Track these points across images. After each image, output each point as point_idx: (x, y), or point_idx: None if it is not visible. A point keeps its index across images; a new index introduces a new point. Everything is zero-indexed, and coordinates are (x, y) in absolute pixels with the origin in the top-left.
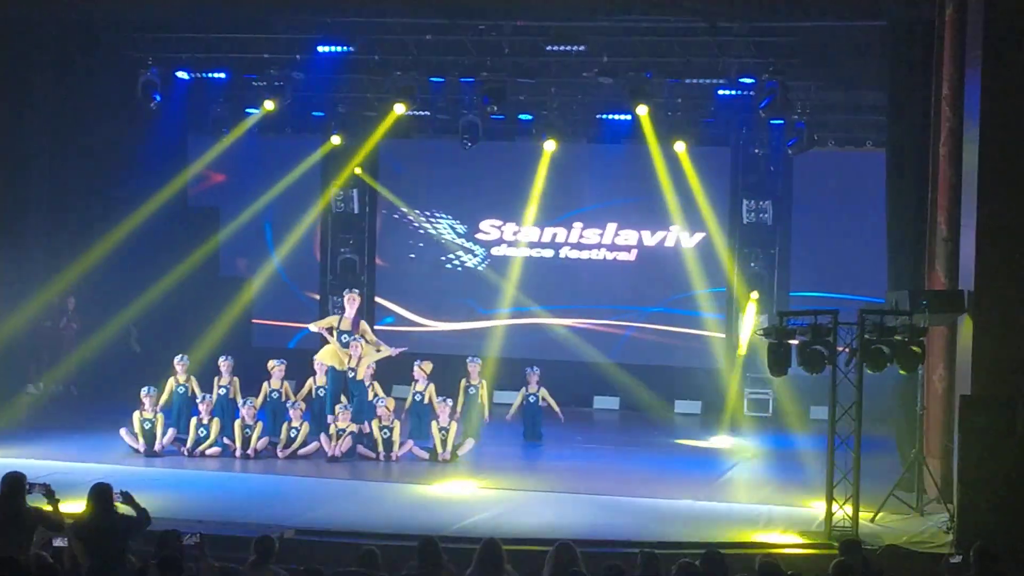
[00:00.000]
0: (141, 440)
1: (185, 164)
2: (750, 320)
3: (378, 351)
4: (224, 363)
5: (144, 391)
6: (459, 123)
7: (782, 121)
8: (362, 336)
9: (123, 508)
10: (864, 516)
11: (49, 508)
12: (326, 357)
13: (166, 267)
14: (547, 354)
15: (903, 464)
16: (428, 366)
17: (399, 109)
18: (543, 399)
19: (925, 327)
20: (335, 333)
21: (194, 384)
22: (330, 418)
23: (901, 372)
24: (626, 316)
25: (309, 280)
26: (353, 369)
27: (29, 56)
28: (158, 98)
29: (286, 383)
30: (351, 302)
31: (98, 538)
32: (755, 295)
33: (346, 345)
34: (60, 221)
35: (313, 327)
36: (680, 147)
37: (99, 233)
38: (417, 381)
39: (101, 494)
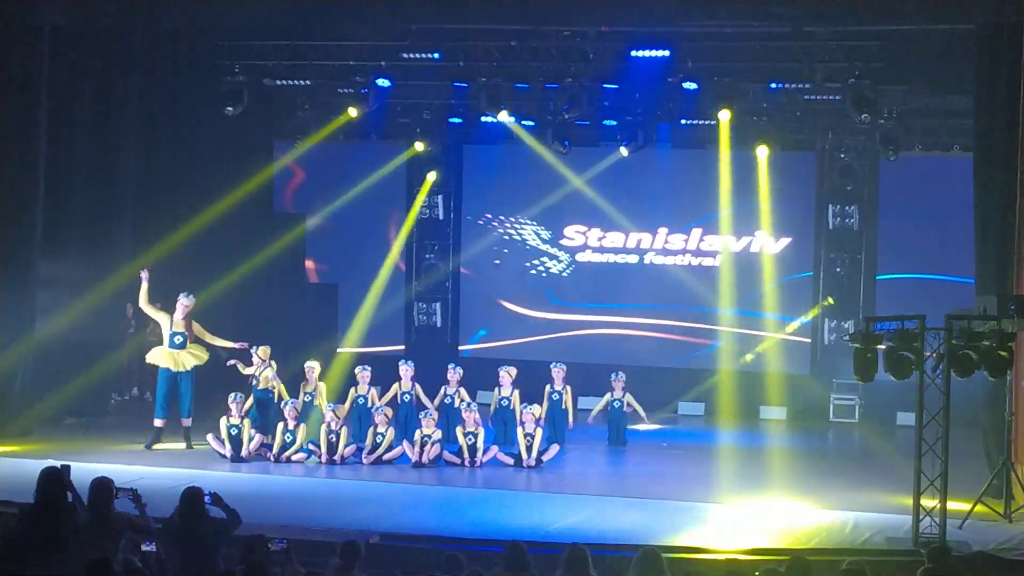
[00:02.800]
0: (228, 446)
1: (271, 170)
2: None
3: (220, 346)
4: (310, 369)
5: (231, 397)
6: (545, 129)
7: (868, 126)
8: (198, 337)
9: (214, 512)
10: (952, 523)
11: (136, 513)
12: (158, 358)
13: (252, 272)
14: (632, 359)
15: (991, 470)
16: (513, 371)
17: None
18: (628, 404)
19: (1013, 332)
20: (167, 334)
21: (281, 389)
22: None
23: (989, 378)
24: (710, 321)
25: (394, 286)
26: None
27: (119, 63)
28: (244, 104)
29: (372, 389)
30: (183, 307)
31: (189, 541)
32: (830, 299)
33: (179, 346)
34: (146, 226)
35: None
36: (763, 152)
37: (185, 239)
38: (502, 387)
39: (192, 497)
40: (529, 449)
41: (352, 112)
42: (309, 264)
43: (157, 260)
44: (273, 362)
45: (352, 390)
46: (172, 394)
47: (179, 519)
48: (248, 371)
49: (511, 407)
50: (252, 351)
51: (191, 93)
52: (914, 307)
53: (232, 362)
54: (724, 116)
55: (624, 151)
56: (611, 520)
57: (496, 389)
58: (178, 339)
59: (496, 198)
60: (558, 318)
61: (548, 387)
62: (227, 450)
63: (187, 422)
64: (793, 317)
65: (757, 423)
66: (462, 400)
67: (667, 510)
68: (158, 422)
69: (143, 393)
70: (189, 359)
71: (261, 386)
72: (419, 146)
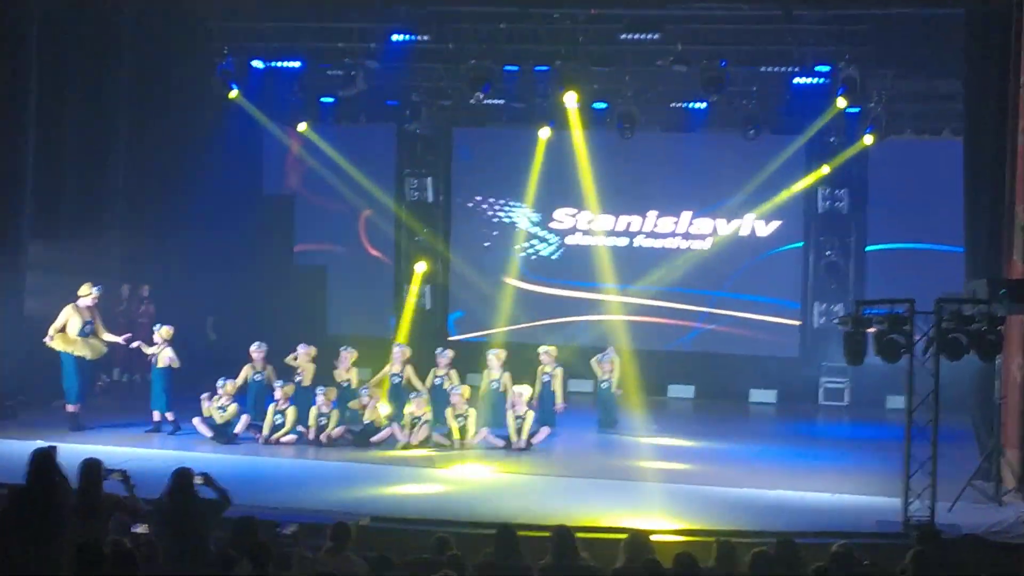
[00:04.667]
0: (215, 428)
1: (260, 153)
2: None
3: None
4: (301, 351)
5: (220, 381)
6: (533, 111)
7: (858, 109)
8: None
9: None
10: (941, 506)
11: (126, 494)
12: (75, 347)
13: (241, 255)
14: (621, 342)
15: (981, 454)
16: (503, 354)
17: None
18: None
19: (1003, 316)
20: (79, 324)
21: (270, 372)
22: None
23: (979, 361)
24: (700, 304)
25: (383, 269)
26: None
27: (107, 46)
28: (234, 87)
29: (353, 370)
30: (92, 297)
31: (179, 521)
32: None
33: (87, 335)
34: (138, 209)
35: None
36: (752, 135)
37: (176, 221)
38: (491, 369)
39: (182, 477)
40: (519, 432)
41: (350, 93)
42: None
43: (146, 243)
44: (263, 345)
45: (336, 372)
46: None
47: (169, 500)
48: (150, 350)
49: (500, 390)
50: (155, 329)
51: (180, 75)
52: (905, 281)
53: (136, 344)
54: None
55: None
56: (601, 503)
57: (485, 372)
58: (88, 328)
59: (486, 181)
60: (548, 299)
61: (539, 369)
62: (213, 432)
63: (77, 407)
64: (782, 300)
65: (747, 406)
66: (451, 382)
67: (656, 492)
68: (76, 407)
69: (132, 375)
70: (100, 347)
71: (160, 365)
72: (409, 128)
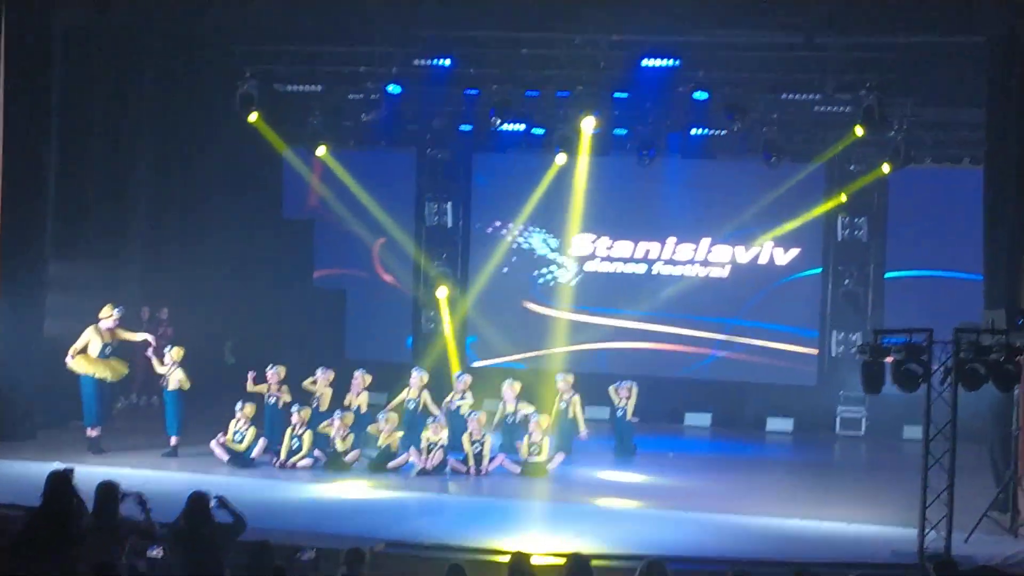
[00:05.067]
0: (233, 451)
1: (280, 176)
2: None
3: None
4: (320, 375)
5: (239, 404)
6: (554, 137)
7: (879, 137)
8: (116, 339)
9: (220, 516)
10: (957, 537)
11: (142, 517)
12: (96, 368)
13: (261, 278)
14: (639, 370)
15: (997, 485)
16: (518, 386)
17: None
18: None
19: (1021, 346)
20: (99, 346)
21: (286, 395)
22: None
23: (997, 392)
24: (718, 332)
25: (402, 293)
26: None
27: (132, 66)
28: (255, 110)
29: (364, 394)
30: (114, 319)
31: (195, 544)
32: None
33: (108, 357)
34: (158, 231)
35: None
36: (773, 162)
37: (196, 243)
38: (506, 402)
39: (198, 500)
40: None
41: (365, 117)
42: (318, 270)
43: (166, 265)
44: (281, 368)
45: (350, 396)
46: (104, 402)
47: (185, 522)
48: (161, 369)
49: (514, 423)
50: (166, 351)
51: (203, 97)
52: (924, 310)
53: (149, 352)
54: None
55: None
56: (615, 530)
57: (500, 405)
58: (108, 349)
59: (505, 206)
60: (565, 325)
61: (556, 397)
62: (230, 456)
63: (97, 431)
64: (800, 328)
65: (764, 434)
66: (468, 408)
67: (672, 520)
68: (96, 431)
69: (150, 397)
70: (121, 369)
71: (170, 387)
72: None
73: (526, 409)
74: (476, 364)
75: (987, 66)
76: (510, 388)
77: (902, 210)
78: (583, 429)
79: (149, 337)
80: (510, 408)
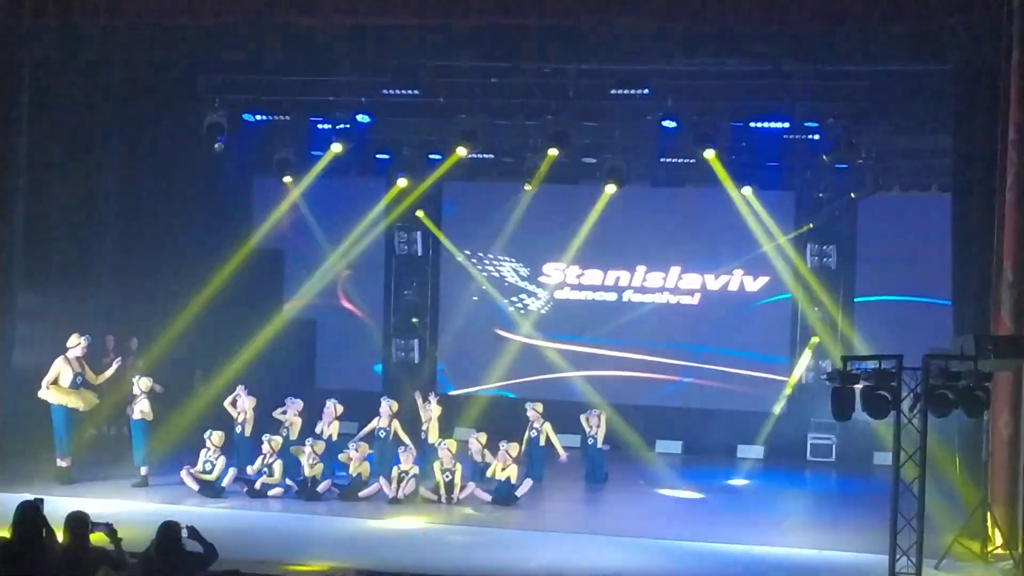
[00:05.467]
0: (203, 481)
1: (250, 206)
2: (804, 363)
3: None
4: (290, 405)
5: (207, 433)
6: (523, 166)
7: (847, 165)
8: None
9: (191, 546)
10: (928, 563)
11: (112, 547)
12: (68, 398)
13: (231, 307)
14: (610, 398)
15: (968, 511)
16: (483, 437)
17: (462, 152)
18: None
19: (990, 372)
20: (70, 376)
21: (249, 421)
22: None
23: (966, 418)
24: (689, 359)
25: (372, 322)
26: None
27: (99, 97)
28: (224, 140)
29: (334, 423)
30: (82, 348)
31: (165, 574)
32: (815, 339)
33: (78, 386)
34: (127, 260)
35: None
36: (747, 191)
37: (165, 272)
38: (472, 452)
39: (169, 531)
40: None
41: (336, 147)
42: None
43: (135, 294)
44: (252, 398)
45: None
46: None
47: (156, 552)
48: (134, 396)
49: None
50: (135, 380)
51: (171, 127)
52: (893, 335)
53: (115, 366)
54: (709, 154)
55: (610, 188)
56: (588, 558)
57: (469, 453)
58: (79, 379)
59: (475, 235)
60: (536, 352)
61: (526, 425)
62: (200, 485)
63: (68, 461)
64: (772, 356)
65: (734, 461)
66: (434, 436)
67: (643, 548)
68: (67, 461)
69: (120, 427)
70: (92, 399)
71: (136, 416)
72: (402, 182)
73: (444, 445)
74: (447, 392)
75: (954, 94)
76: (475, 441)
77: (871, 237)
78: (562, 453)
79: (115, 364)
80: (477, 459)
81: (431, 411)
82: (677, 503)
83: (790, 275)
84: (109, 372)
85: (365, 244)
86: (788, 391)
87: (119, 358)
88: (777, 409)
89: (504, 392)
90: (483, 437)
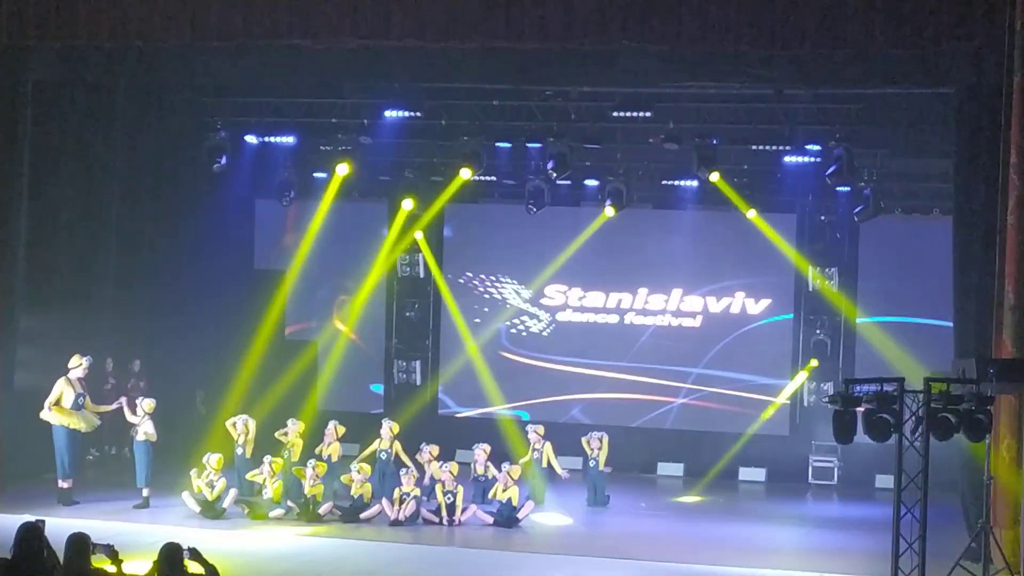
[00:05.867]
0: (204, 502)
1: (252, 227)
2: (793, 386)
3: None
4: (291, 426)
5: (206, 457)
6: (525, 188)
7: (848, 188)
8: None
9: (192, 568)
10: None
11: (113, 569)
12: (70, 419)
13: (232, 329)
14: (611, 420)
15: (970, 534)
16: (487, 448)
17: (465, 174)
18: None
19: (992, 396)
20: (72, 397)
21: (250, 445)
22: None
23: (968, 441)
24: (689, 382)
25: (374, 343)
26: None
27: (101, 118)
28: (224, 161)
29: (334, 444)
30: (83, 368)
31: None
32: (814, 362)
33: (80, 407)
34: (129, 282)
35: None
36: (752, 213)
37: (167, 293)
38: (476, 463)
39: (171, 552)
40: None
41: (342, 169)
42: (289, 321)
43: (136, 316)
44: (252, 421)
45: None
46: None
47: (157, 574)
48: (133, 419)
49: (488, 479)
50: (138, 402)
51: (174, 149)
52: (895, 357)
53: (119, 404)
54: (714, 177)
55: (612, 210)
56: None
57: (472, 465)
58: (81, 400)
59: (477, 256)
60: (538, 374)
61: (528, 448)
62: (198, 507)
63: (69, 483)
64: (774, 377)
65: (736, 484)
66: (440, 460)
67: (644, 571)
68: (68, 483)
69: (121, 448)
70: (94, 420)
71: (140, 438)
72: (407, 205)
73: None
74: (448, 414)
75: (955, 117)
76: (481, 452)
77: (873, 260)
78: (561, 472)
79: (122, 401)
80: (479, 471)
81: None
82: (677, 526)
83: (792, 297)
84: (108, 408)
85: (366, 266)
86: (768, 413)
87: (122, 398)
88: (750, 430)
89: (519, 412)
90: (487, 449)
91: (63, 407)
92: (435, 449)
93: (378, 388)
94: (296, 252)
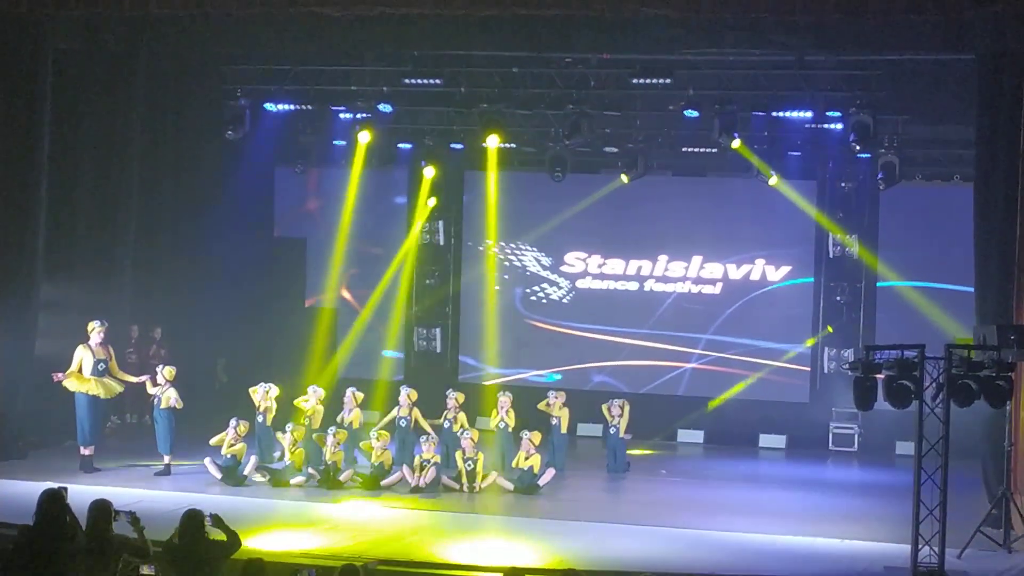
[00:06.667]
0: (225, 469)
1: (272, 195)
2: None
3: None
4: (312, 394)
5: (232, 422)
6: (545, 155)
7: (869, 155)
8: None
9: (214, 534)
10: (951, 552)
11: (135, 535)
12: (89, 386)
13: (253, 297)
14: (632, 387)
15: (990, 500)
16: (508, 398)
17: (492, 141)
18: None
19: (1013, 362)
20: (91, 363)
21: (270, 413)
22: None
23: (989, 407)
24: (710, 349)
25: (396, 311)
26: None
27: (121, 86)
28: (245, 129)
29: (355, 411)
30: (99, 332)
31: (189, 562)
32: (829, 328)
33: (102, 373)
34: (150, 249)
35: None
36: (773, 180)
37: (187, 261)
38: (503, 409)
39: (193, 518)
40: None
41: (364, 137)
42: (310, 289)
43: (158, 284)
44: (274, 386)
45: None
46: (97, 420)
47: (179, 540)
48: (153, 390)
49: (509, 429)
50: (159, 369)
51: (194, 117)
52: (915, 322)
53: (143, 379)
54: (735, 143)
55: (625, 178)
56: (609, 547)
57: (496, 412)
58: (101, 366)
59: (497, 224)
60: (558, 342)
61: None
62: (220, 474)
63: (91, 450)
64: (794, 344)
65: (756, 451)
66: (461, 426)
67: (664, 537)
68: (89, 450)
69: (142, 416)
70: (114, 386)
71: (163, 406)
72: (428, 173)
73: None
74: (469, 380)
75: (977, 83)
76: (506, 399)
77: (893, 227)
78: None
79: (145, 379)
80: (507, 420)
81: (455, 400)
82: (698, 493)
83: (812, 264)
84: (133, 380)
85: (386, 233)
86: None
87: (145, 377)
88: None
89: (550, 376)
90: (508, 398)
91: (82, 374)
92: (460, 396)
93: (389, 353)
94: (316, 220)
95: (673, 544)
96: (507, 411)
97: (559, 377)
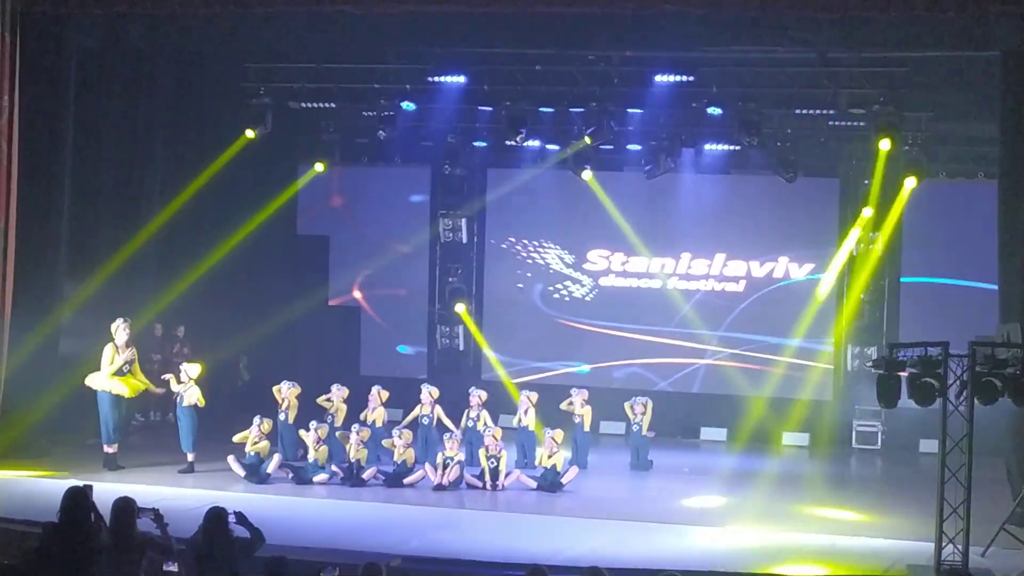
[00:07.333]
0: (248, 467)
1: (295, 192)
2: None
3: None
4: (335, 391)
5: (255, 420)
6: (568, 153)
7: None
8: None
9: (238, 532)
10: (974, 550)
11: (159, 532)
12: (115, 386)
13: (276, 294)
14: (654, 384)
15: (1014, 498)
16: (534, 396)
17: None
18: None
19: None
20: (119, 362)
21: (292, 411)
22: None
23: (1013, 405)
24: (734, 346)
25: (416, 309)
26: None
27: (144, 85)
28: (268, 127)
29: (379, 409)
30: (123, 331)
31: (212, 559)
32: (849, 327)
33: (126, 374)
34: (173, 248)
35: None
36: (789, 178)
37: (210, 260)
38: (521, 406)
39: (216, 516)
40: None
41: (384, 135)
42: (333, 287)
43: (181, 280)
44: (295, 385)
45: (367, 412)
46: (121, 418)
47: (203, 537)
48: (177, 388)
49: (531, 429)
50: (182, 368)
51: (217, 115)
52: (939, 319)
53: (166, 376)
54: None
55: (644, 175)
56: (630, 544)
57: (517, 413)
58: (126, 368)
59: (519, 222)
60: (581, 340)
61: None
62: (243, 472)
63: (115, 448)
64: (817, 343)
65: (780, 449)
66: (484, 423)
67: (687, 534)
68: (113, 448)
69: (165, 414)
70: (139, 384)
71: (186, 403)
72: (447, 169)
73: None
74: (490, 379)
75: (1001, 80)
76: (527, 398)
77: (917, 224)
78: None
79: (156, 389)
80: (525, 418)
81: (478, 397)
82: (721, 490)
83: (835, 261)
84: (153, 389)
85: (409, 231)
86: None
87: (166, 377)
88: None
89: (578, 368)
90: (534, 396)
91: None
92: (483, 394)
93: (404, 349)
94: (340, 218)
95: (696, 541)
96: (529, 409)
97: (588, 370)
